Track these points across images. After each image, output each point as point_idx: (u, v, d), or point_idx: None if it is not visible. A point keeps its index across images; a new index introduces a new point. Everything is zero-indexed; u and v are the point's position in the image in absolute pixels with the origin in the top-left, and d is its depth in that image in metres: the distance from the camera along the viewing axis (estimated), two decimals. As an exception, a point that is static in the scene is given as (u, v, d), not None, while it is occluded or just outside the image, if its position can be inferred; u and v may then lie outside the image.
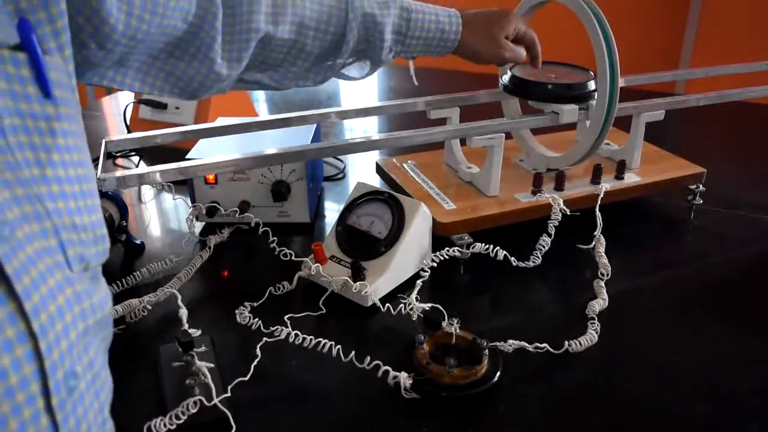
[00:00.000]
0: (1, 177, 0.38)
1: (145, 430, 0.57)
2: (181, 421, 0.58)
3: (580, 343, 0.69)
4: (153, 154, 1.21)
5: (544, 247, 0.83)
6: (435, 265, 0.80)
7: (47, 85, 0.41)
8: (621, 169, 0.97)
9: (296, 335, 0.69)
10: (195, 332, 0.69)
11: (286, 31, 0.72)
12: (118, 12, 0.56)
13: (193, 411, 0.59)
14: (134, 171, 0.75)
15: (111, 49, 0.58)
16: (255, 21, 0.68)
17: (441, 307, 0.70)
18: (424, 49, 0.82)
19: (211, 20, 0.66)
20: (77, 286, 0.41)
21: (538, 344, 0.68)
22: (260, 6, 0.69)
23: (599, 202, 0.89)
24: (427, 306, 0.71)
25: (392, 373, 0.63)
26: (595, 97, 0.89)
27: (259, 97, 1.70)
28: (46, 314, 0.37)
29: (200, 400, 0.59)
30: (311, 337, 0.68)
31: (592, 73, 0.91)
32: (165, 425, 0.58)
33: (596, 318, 0.73)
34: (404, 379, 0.62)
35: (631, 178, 0.97)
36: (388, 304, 0.74)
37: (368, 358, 0.65)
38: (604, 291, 0.78)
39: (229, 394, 0.61)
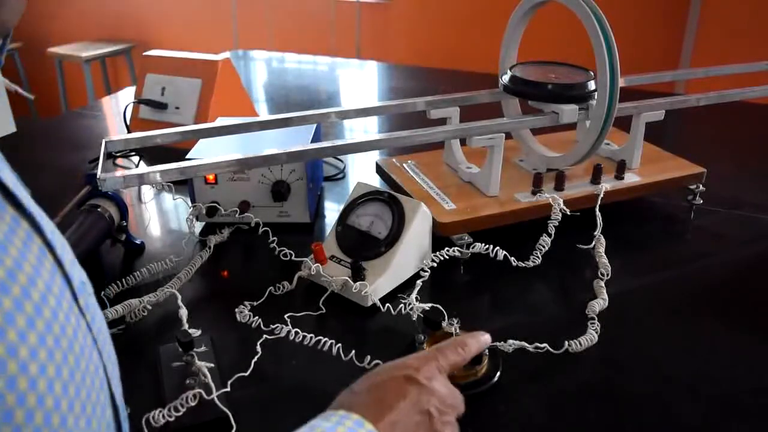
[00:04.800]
0: None
1: (143, 421, 0.58)
2: (180, 414, 0.58)
3: (580, 343, 0.69)
4: (153, 154, 1.21)
5: (544, 247, 0.83)
6: (435, 265, 0.80)
7: None
8: (621, 169, 0.97)
9: (296, 333, 0.69)
10: (195, 332, 0.69)
11: None
12: None
13: (193, 403, 0.59)
14: (134, 171, 0.75)
15: None
16: None
17: (441, 307, 0.70)
18: None
19: None
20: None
21: (538, 344, 0.68)
22: None
23: (599, 202, 0.89)
24: (427, 306, 0.71)
25: (392, 373, 0.63)
26: (595, 97, 0.89)
27: (259, 97, 1.70)
28: (49, 228, 0.38)
29: (200, 393, 0.59)
30: (311, 335, 0.68)
31: (592, 73, 0.91)
32: (164, 417, 0.58)
33: (596, 318, 0.73)
34: (404, 379, 0.62)
35: (631, 178, 0.97)
36: (388, 304, 0.74)
37: (368, 357, 0.65)
38: (604, 291, 0.78)
39: (229, 390, 0.61)
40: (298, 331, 0.69)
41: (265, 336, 0.70)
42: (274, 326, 0.71)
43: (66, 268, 0.38)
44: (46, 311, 0.34)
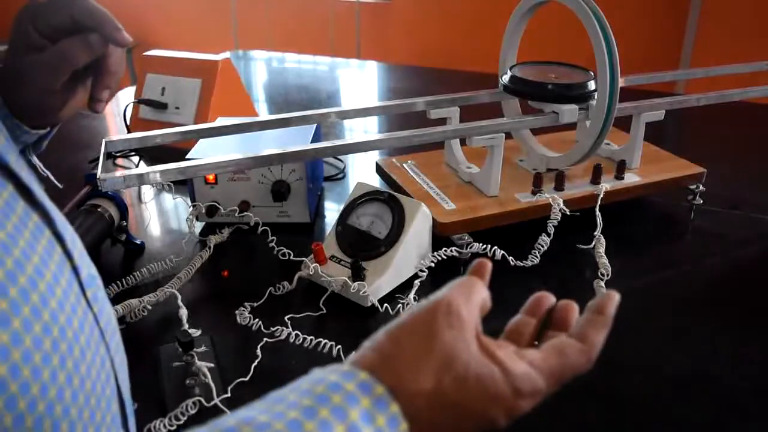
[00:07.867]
0: None
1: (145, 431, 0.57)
2: (181, 422, 0.58)
3: (580, 343, 0.69)
4: (153, 154, 1.21)
5: (542, 246, 0.83)
6: (432, 265, 0.80)
7: None
8: (621, 169, 0.97)
9: (296, 335, 0.69)
10: (195, 332, 0.69)
11: None
12: None
13: (193, 411, 0.59)
14: (134, 171, 0.75)
15: None
16: None
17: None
18: None
19: None
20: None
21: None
22: None
23: (599, 202, 0.89)
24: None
25: (392, 373, 0.63)
26: (595, 97, 0.89)
27: (259, 97, 1.70)
28: (60, 221, 0.39)
29: (200, 400, 0.59)
30: (311, 337, 0.68)
31: (592, 73, 0.91)
32: (165, 426, 0.58)
33: (596, 318, 0.73)
34: (404, 379, 0.62)
35: (631, 178, 0.97)
36: (386, 304, 0.74)
37: (368, 358, 0.65)
38: (604, 291, 0.78)
39: (229, 395, 0.61)
40: (299, 333, 0.69)
41: (265, 339, 0.70)
42: (274, 329, 0.71)
43: (75, 260, 0.39)
44: (53, 302, 0.34)
